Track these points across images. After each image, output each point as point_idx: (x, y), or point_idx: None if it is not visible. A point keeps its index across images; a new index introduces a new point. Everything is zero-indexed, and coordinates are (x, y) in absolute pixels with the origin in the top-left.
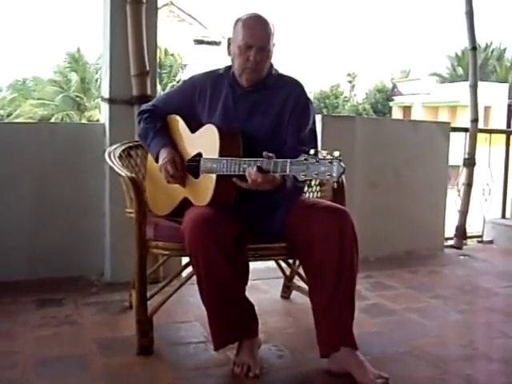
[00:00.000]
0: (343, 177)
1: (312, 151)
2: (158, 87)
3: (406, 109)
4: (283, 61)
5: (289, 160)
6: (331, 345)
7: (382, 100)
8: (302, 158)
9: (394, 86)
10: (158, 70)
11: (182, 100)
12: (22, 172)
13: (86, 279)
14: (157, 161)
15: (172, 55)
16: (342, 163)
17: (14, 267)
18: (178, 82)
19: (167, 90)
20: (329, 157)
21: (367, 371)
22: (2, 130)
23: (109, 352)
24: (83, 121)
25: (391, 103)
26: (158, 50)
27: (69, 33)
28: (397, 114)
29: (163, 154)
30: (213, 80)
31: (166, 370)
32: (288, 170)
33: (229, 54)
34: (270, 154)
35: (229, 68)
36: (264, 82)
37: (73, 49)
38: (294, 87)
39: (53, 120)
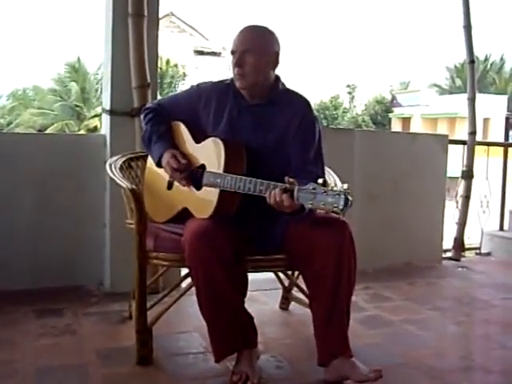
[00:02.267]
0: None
1: (320, 180)
2: (159, 97)
3: (406, 120)
4: (283, 71)
5: (296, 187)
6: (330, 353)
7: (382, 111)
8: (311, 187)
9: (394, 98)
10: (159, 81)
11: (186, 105)
12: (22, 182)
13: (86, 289)
14: (158, 164)
15: (175, 65)
16: (349, 196)
17: (15, 277)
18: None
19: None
20: (337, 188)
21: (360, 369)
22: (1, 140)
23: (108, 362)
24: (82, 130)
25: (390, 115)
26: (160, 61)
27: (69, 43)
28: (396, 125)
29: (166, 155)
30: (219, 90)
31: (165, 380)
32: (295, 198)
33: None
34: (291, 180)
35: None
36: (269, 96)
37: (73, 58)
38: (300, 105)
39: (52, 129)
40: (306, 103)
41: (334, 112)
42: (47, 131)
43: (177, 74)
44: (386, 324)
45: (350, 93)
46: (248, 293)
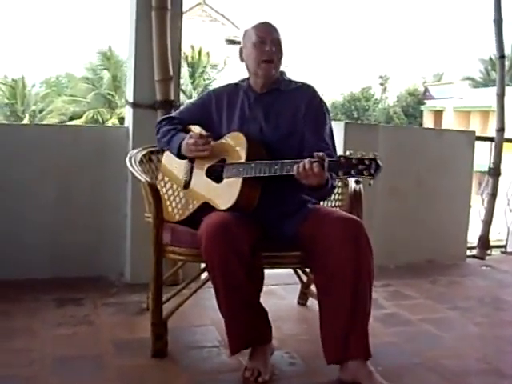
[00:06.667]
0: (361, 186)
1: (347, 152)
2: (190, 87)
3: (438, 113)
4: (315, 63)
5: (327, 159)
6: (339, 354)
7: (414, 103)
8: (340, 158)
9: (426, 90)
10: (190, 69)
11: (200, 111)
12: (45, 173)
13: (106, 280)
14: (178, 156)
15: (207, 54)
16: (379, 161)
17: (37, 266)
18: (210, 82)
19: (198, 90)
20: (366, 156)
21: (376, 380)
22: (28, 132)
23: (124, 353)
24: (113, 118)
25: (422, 107)
26: (192, 50)
27: (102, 31)
28: (428, 118)
29: (185, 141)
30: (229, 91)
31: (179, 373)
32: (326, 168)
33: (241, 60)
34: (321, 154)
35: (244, 79)
36: (277, 85)
37: (105, 47)
38: (306, 90)
39: (84, 117)
40: (311, 88)
41: (365, 103)
42: (80, 119)
43: (209, 64)
44: (404, 323)
45: (382, 84)
46: (268, 287)
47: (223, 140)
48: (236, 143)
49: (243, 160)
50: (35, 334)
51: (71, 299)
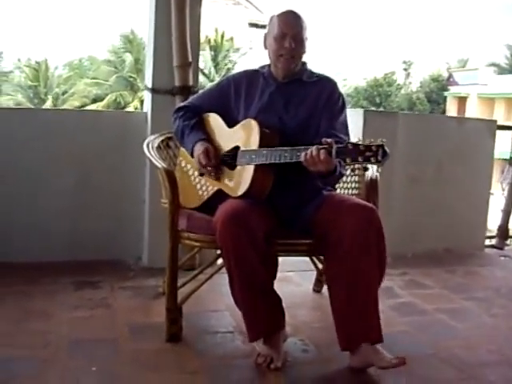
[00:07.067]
0: (378, 174)
1: (356, 139)
2: (212, 70)
3: (461, 99)
4: (339, 48)
5: (335, 146)
6: (352, 340)
7: (437, 89)
8: (348, 144)
9: (450, 76)
10: (212, 53)
11: (218, 97)
12: (65, 158)
13: (123, 263)
14: (192, 155)
15: (231, 39)
16: (386, 148)
17: (56, 248)
18: (232, 65)
19: (221, 73)
20: (373, 143)
21: (384, 355)
22: (47, 117)
23: (139, 337)
24: (135, 100)
25: (446, 93)
26: (215, 34)
27: (124, 14)
28: (451, 104)
29: (197, 147)
30: (248, 77)
31: (192, 358)
32: (334, 155)
33: (265, 47)
34: (329, 140)
35: (264, 66)
36: (299, 75)
37: (127, 30)
38: (327, 83)
39: (106, 99)
40: (333, 82)
41: (388, 89)
42: (102, 102)
43: (232, 48)
44: (419, 312)
45: (405, 69)
46: (284, 273)
47: (238, 127)
48: (249, 130)
49: (256, 147)
50: (52, 316)
51: (89, 282)
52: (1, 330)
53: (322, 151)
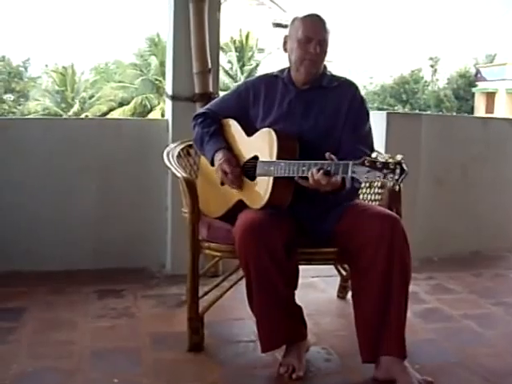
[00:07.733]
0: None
1: (374, 154)
2: (238, 71)
3: (490, 95)
4: (365, 45)
5: (351, 162)
6: (373, 353)
7: (465, 86)
8: (364, 161)
9: (478, 71)
10: (237, 54)
11: (236, 103)
12: (87, 166)
13: (147, 271)
14: (212, 164)
15: (256, 39)
16: (404, 166)
17: (79, 257)
18: (256, 65)
19: (245, 74)
20: (391, 160)
21: (411, 375)
22: (70, 125)
23: (161, 346)
24: (161, 103)
25: (474, 89)
26: (239, 34)
27: (150, 17)
28: (480, 100)
29: (219, 156)
30: (267, 82)
31: (214, 368)
32: (350, 173)
33: (285, 50)
34: (333, 156)
35: (283, 70)
36: (319, 81)
37: (153, 33)
38: (348, 88)
39: (132, 102)
40: (354, 86)
41: (414, 86)
42: (128, 105)
43: (256, 48)
44: (445, 319)
45: (432, 66)
46: (308, 279)
47: (256, 136)
48: (268, 141)
49: (274, 158)
50: (76, 326)
51: (112, 291)
52: (25, 341)
53: (319, 174)
